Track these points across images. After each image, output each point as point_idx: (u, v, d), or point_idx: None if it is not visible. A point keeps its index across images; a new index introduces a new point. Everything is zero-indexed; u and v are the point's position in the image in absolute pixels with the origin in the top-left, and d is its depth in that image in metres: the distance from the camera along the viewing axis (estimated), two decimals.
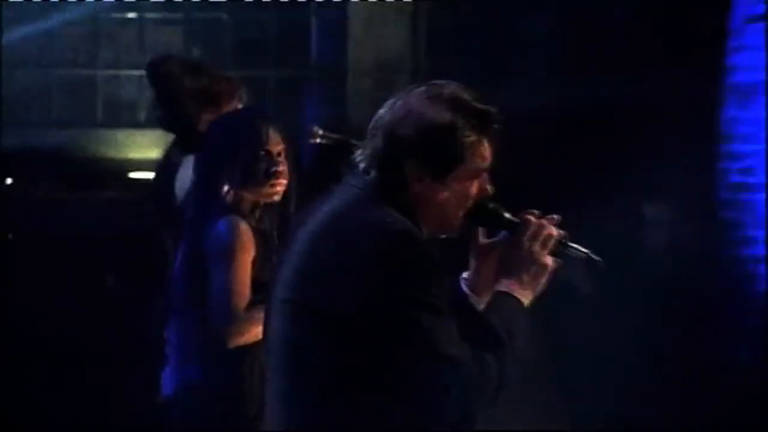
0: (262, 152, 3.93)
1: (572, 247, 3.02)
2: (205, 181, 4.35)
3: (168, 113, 4.85)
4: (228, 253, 4.16)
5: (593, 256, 3.04)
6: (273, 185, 3.95)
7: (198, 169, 4.49)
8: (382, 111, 3.02)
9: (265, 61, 7.36)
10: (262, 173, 3.87)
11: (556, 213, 3.06)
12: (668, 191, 6.70)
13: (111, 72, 8.22)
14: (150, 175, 5.70)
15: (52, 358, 6.36)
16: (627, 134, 6.42)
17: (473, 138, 2.91)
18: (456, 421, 2.97)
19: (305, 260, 2.97)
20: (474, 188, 2.98)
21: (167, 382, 4.19)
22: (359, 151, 2.98)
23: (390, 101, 3.02)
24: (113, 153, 7.56)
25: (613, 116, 6.48)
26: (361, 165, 2.95)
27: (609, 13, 6.75)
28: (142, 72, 5.33)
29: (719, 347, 6.40)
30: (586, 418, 5.98)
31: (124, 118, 7.74)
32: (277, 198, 4.03)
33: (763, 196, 6.26)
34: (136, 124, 7.34)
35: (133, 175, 7.19)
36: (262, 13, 8.05)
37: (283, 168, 3.92)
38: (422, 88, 2.99)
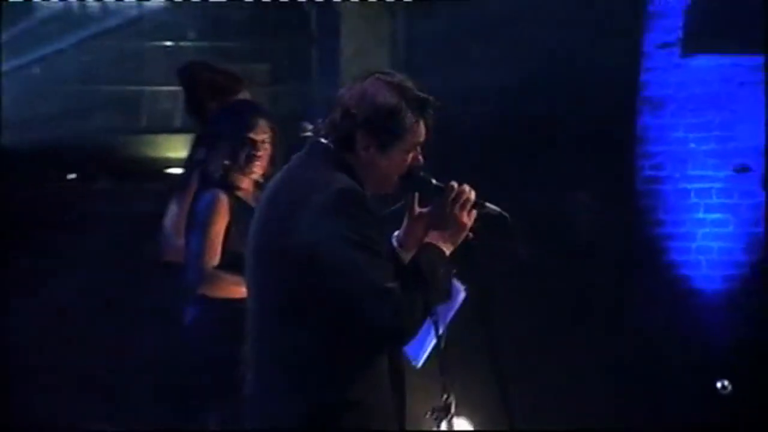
0: (246, 139, 4.41)
1: (487, 207, 3.42)
2: (200, 160, 4.95)
3: (188, 103, 5.47)
4: (203, 220, 4.76)
5: (503, 213, 3.44)
6: (252, 166, 4.44)
7: (195, 148, 5.17)
8: (342, 90, 3.42)
9: (276, 79, 7.50)
10: (243, 156, 4.38)
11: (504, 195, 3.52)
12: (597, 182, 6.71)
13: (153, 88, 8.00)
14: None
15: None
16: (561, 136, 6.51)
17: (413, 119, 3.27)
18: (390, 342, 3.39)
19: (268, 214, 3.42)
20: (409, 158, 3.37)
21: (187, 316, 4.90)
22: (319, 122, 3.43)
23: (350, 84, 3.41)
24: (154, 153, 7.69)
25: (551, 123, 6.42)
26: (320, 134, 3.37)
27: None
28: (176, 87, 6.12)
29: (635, 307, 6.63)
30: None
31: (162, 125, 7.82)
32: (256, 177, 4.51)
33: (669, 186, 6.86)
34: (172, 130, 7.56)
35: (169, 171, 7.30)
36: (269, 44, 7.96)
37: (262, 153, 4.41)
38: (376, 75, 3.34)
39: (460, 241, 3.41)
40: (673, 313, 6.79)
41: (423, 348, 3.74)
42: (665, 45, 6.89)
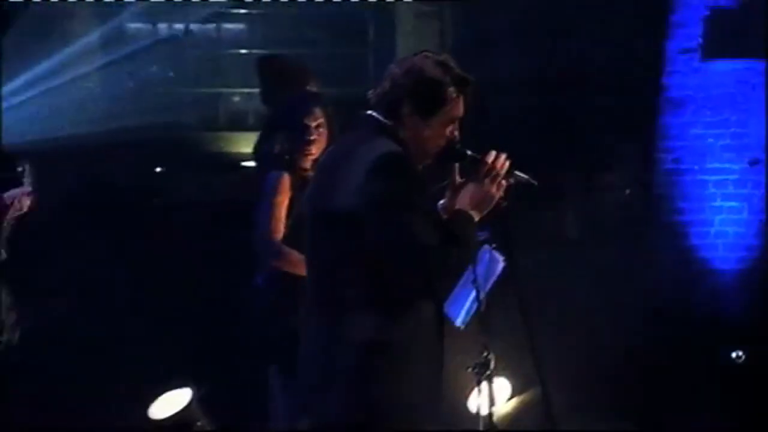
0: (303, 125, 4.72)
1: (518, 175, 3.65)
2: (266, 144, 5.27)
3: (262, 93, 5.86)
4: (269, 197, 5.04)
5: (532, 181, 3.68)
6: (309, 148, 4.76)
7: (263, 134, 5.47)
8: (392, 65, 3.65)
9: (339, 81, 7.51)
10: (299, 140, 4.68)
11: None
12: (625, 173, 7.09)
13: (230, 90, 8.52)
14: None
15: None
16: (590, 133, 6.81)
17: (453, 93, 3.50)
18: (428, 290, 3.62)
19: (321, 180, 3.71)
20: (447, 131, 3.60)
21: (258, 279, 5.22)
22: (371, 92, 3.70)
23: (400, 60, 3.71)
24: (232, 148, 8.07)
25: (580, 119, 6.71)
26: (371, 104, 3.62)
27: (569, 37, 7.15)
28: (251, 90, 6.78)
29: (659, 285, 6.88)
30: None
31: (239, 123, 8.27)
32: (314, 157, 4.76)
33: (689, 177, 7.12)
34: (247, 128, 7.86)
35: (244, 163, 7.58)
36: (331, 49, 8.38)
37: (317, 136, 4.72)
38: (425, 53, 3.60)
39: (489, 208, 3.64)
40: (693, 289, 7.06)
41: (465, 311, 4.18)
42: (686, 50, 7.17)
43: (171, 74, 8.86)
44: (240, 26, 8.93)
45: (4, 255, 5.69)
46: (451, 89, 3.59)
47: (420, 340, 3.59)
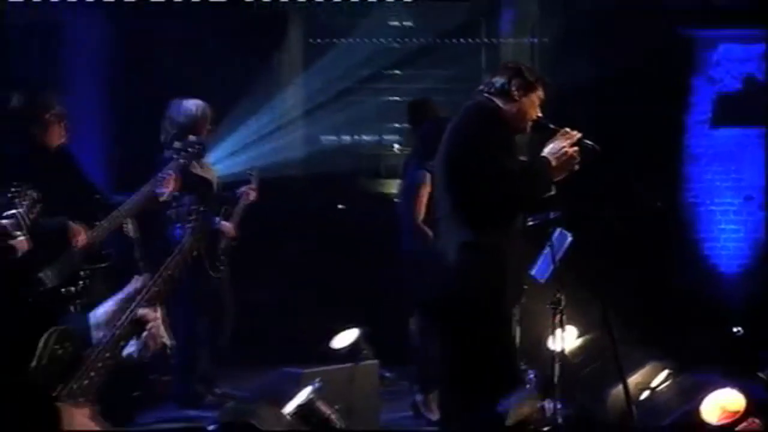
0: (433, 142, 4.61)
1: (585, 142, 4.06)
2: (411, 156, 6.00)
3: (410, 122, 6.44)
4: (415, 190, 5.75)
5: (595, 146, 4.08)
6: None
7: (413, 148, 6.15)
8: (504, 62, 4.34)
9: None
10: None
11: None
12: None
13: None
14: None
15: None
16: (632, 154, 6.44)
17: (538, 84, 4.15)
18: (512, 211, 4.09)
19: (441, 149, 4.18)
20: (534, 109, 4.14)
21: (403, 246, 5.87)
22: (487, 79, 4.26)
23: (502, 63, 4.46)
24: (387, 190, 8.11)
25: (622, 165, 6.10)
26: (484, 87, 4.17)
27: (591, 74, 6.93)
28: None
29: (683, 280, 7.30)
30: None
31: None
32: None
33: (702, 208, 7.61)
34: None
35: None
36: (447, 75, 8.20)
37: None
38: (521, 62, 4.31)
39: (568, 167, 4.07)
40: (706, 284, 7.54)
41: (546, 269, 4.91)
42: (700, 121, 7.73)
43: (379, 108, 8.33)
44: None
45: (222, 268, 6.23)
46: (539, 78, 4.22)
47: (509, 245, 4.10)
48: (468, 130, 4.09)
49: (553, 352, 4.75)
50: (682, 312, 6.73)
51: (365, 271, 7.18)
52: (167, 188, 5.46)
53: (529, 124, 4.18)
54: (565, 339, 4.92)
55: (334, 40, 8.21)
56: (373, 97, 8.40)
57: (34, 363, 2.78)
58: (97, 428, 2.76)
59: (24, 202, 3.45)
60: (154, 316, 3.04)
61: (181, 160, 5.52)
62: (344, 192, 8.28)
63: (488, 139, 3.96)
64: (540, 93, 4.17)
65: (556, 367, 4.69)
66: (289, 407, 5.07)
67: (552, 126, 4.09)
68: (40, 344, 2.73)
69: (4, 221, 3.41)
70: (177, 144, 5.70)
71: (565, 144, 4.04)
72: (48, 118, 5.05)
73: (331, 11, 8.14)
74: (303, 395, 5.12)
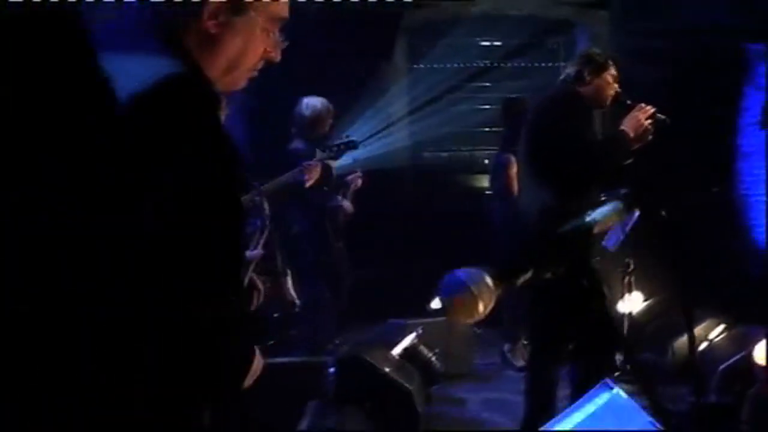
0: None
1: (659, 116, 4.26)
2: (503, 143, 6.41)
3: (504, 116, 6.81)
4: (502, 170, 6.33)
5: (667, 119, 4.26)
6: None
7: (502, 138, 6.53)
8: (580, 51, 4.53)
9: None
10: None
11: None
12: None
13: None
14: None
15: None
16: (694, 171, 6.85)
17: (608, 64, 4.34)
18: (591, 175, 4.15)
19: (528, 124, 4.41)
20: (610, 86, 4.34)
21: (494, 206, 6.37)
22: (564, 71, 4.44)
23: (578, 53, 4.46)
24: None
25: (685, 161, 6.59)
26: (563, 78, 4.42)
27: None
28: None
29: (734, 255, 7.42)
30: None
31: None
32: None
33: (754, 200, 7.77)
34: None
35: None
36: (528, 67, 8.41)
37: None
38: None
39: (644, 138, 4.24)
40: (752, 261, 7.69)
41: (615, 240, 4.69)
42: (751, 123, 7.88)
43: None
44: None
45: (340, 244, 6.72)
46: (607, 59, 4.39)
47: (587, 210, 4.05)
48: (551, 106, 4.35)
49: (622, 314, 5.12)
50: (734, 277, 6.95)
51: (458, 248, 7.08)
52: (311, 176, 6.14)
53: (608, 100, 4.41)
54: (633, 301, 5.45)
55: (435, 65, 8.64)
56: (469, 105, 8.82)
57: None
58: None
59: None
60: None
61: (331, 154, 6.26)
62: (442, 187, 8.79)
63: (570, 113, 4.18)
64: (612, 71, 4.38)
65: (625, 324, 5.12)
66: (397, 350, 5.75)
67: (629, 102, 4.33)
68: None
69: None
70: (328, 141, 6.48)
71: (641, 117, 4.26)
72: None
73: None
74: (408, 340, 5.84)
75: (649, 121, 4.19)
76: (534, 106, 4.64)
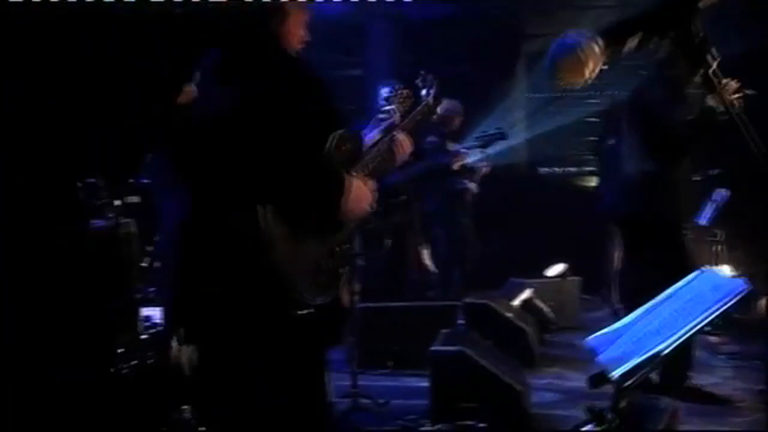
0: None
1: (745, 92, 4.13)
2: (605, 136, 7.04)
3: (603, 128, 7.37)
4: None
5: (751, 92, 4.16)
6: None
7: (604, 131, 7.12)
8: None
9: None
10: None
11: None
12: None
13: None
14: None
15: None
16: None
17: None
18: (677, 147, 4.36)
19: (629, 102, 4.73)
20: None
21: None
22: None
23: None
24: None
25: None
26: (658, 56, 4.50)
27: None
28: None
29: None
30: None
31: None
32: None
33: None
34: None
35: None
36: None
37: None
38: None
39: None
40: None
41: (708, 216, 5.52)
42: None
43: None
44: None
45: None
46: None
47: (681, 176, 4.52)
48: (650, 84, 4.73)
49: None
50: None
51: (571, 227, 8.27)
52: (458, 161, 6.98)
53: (697, 79, 4.19)
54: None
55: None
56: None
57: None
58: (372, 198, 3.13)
59: None
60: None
61: (482, 143, 6.92)
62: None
63: (664, 92, 4.49)
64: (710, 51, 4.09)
65: None
66: (516, 301, 6.66)
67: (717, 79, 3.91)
68: (327, 144, 3.01)
69: None
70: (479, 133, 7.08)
71: (729, 95, 3.82)
72: None
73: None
74: (526, 293, 6.75)
75: (738, 95, 4.07)
76: (634, 90, 4.97)
